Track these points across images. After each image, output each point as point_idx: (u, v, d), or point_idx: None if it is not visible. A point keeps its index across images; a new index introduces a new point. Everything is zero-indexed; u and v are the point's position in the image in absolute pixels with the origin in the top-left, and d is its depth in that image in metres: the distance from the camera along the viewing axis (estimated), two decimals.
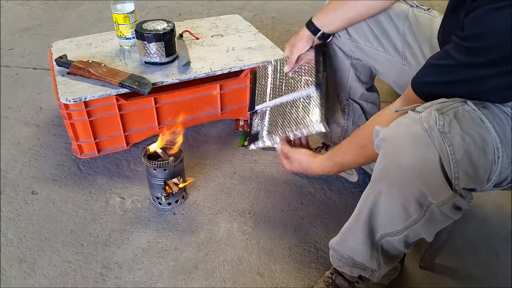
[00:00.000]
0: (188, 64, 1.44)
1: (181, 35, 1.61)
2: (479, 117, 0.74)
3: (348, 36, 1.13)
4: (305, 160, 1.07)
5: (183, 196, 1.33)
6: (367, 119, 1.24)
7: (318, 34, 1.12)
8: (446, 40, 0.78)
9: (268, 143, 1.16)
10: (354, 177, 1.35)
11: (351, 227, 0.94)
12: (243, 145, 1.56)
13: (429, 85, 0.80)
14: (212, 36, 1.66)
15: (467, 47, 0.71)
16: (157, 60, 1.43)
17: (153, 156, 1.27)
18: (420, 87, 0.81)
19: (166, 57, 1.43)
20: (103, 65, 1.39)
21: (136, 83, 1.33)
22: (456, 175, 0.72)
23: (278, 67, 1.26)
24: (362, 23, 1.10)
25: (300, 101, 1.14)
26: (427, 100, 0.77)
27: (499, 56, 0.68)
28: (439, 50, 0.97)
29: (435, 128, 0.70)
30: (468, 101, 0.75)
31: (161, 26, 1.40)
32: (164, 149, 1.28)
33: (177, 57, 1.48)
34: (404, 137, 0.74)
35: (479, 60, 0.71)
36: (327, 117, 1.06)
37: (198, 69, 1.44)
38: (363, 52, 1.14)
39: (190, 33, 1.64)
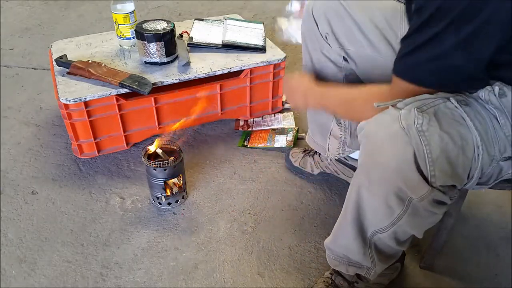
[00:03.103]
0: (188, 64, 1.44)
1: (181, 35, 1.61)
2: (460, 115, 0.74)
3: (339, 45, 1.08)
4: (297, 81, 1.09)
5: (183, 196, 1.33)
6: None
7: None
8: None
9: None
10: None
11: (341, 224, 0.95)
12: (243, 145, 1.56)
13: (407, 61, 0.79)
14: None
15: (417, 10, 0.73)
16: (157, 60, 1.43)
17: (153, 156, 1.27)
18: (403, 70, 0.80)
19: (166, 57, 1.43)
20: (103, 65, 1.39)
21: (136, 83, 1.33)
22: (432, 173, 0.73)
23: None
24: (353, 28, 1.04)
25: None
26: (417, 82, 0.78)
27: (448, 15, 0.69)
28: None
29: (413, 127, 0.71)
30: (450, 98, 0.75)
31: (161, 26, 1.40)
32: (164, 149, 1.28)
33: (177, 57, 1.48)
34: (383, 135, 0.74)
35: (432, 21, 0.72)
36: None
37: (198, 69, 1.44)
38: (357, 60, 1.08)
39: None
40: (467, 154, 0.74)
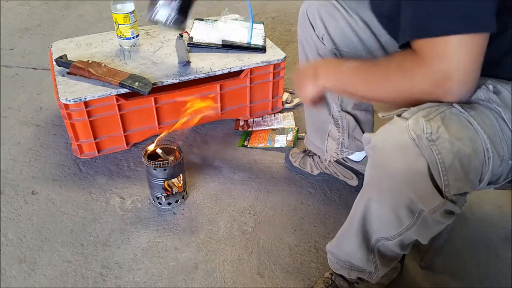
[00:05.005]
0: (188, 64, 1.44)
1: (181, 35, 1.60)
2: (467, 119, 0.73)
3: (334, 46, 1.08)
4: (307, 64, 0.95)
5: (183, 196, 1.33)
6: (362, 130, 1.21)
7: None
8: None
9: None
10: (354, 181, 1.35)
11: (346, 232, 0.94)
12: (243, 145, 1.56)
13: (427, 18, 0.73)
14: None
15: None
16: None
17: (153, 156, 1.27)
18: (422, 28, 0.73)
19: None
20: (103, 65, 1.39)
21: (136, 83, 1.33)
22: (446, 183, 0.71)
23: None
24: (348, 31, 1.04)
25: None
26: (432, 33, 0.71)
27: None
28: None
29: (423, 137, 0.69)
30: (454, 104, 0.74)
31: None
32: (164, 149, 1.28)
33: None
34: (392, 147, 0.73)
35: None
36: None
37: (198, 69, 1.44)
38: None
39: None
40: (479, 158, 0.73)
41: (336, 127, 1.21)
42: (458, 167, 0.71)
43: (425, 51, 0.73)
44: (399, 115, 0.75)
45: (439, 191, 0.72)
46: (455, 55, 0.71)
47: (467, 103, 0.76)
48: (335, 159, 1.31)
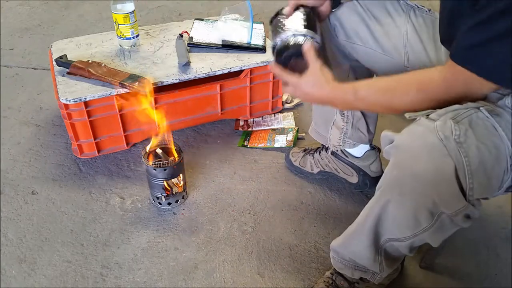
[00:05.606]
0: (188, 64, 1.44)
1: (181, 35, 1.61)
2: (493, 125, 0.73)
3: (346, 38, 1.10)
4: (312, 81, 0.91)
5: (183, 196, 1.33)
6: (366, 122, 1.22)
7: None
8: (451, 24, 0.78)
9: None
10: (354, 178, 1.35)
11: (356, 232, 0.93)
12: (243, 145, 1.56)
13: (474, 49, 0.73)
14: None
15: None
16: None
17: (153, 156, 1.27)
18: (466, 56, 0.74)
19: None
20: (103, 65, 1.39)
21: (136, 83, 1.33)
22: (471, 186, 0.71)
23: None
24: (361, 25, 1.06)
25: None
26: (490, 77, 0.72)
27: None
28: (443, 49, 0.95)
29: (451, 138, 0.69)
30: (481, 108, 0.74)
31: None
32: (164, 149, 1.28)
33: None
34: (419, 147, 0.72)
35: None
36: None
37: (198, 69, 1.44)
38: (361, 54, 1.10)
39: None
40: (501, 165, 0.73)
41: (342, 116, 1.23)
42: (482, 172, 0.71)
43: (457, 76, 0.75)
44: (426, 116, 0.74)
45: (463, 194, 0.72)
46: (480, 90, 0.75)
47: (493, 108, 0.76)
48: (336, 150, 1.31)
